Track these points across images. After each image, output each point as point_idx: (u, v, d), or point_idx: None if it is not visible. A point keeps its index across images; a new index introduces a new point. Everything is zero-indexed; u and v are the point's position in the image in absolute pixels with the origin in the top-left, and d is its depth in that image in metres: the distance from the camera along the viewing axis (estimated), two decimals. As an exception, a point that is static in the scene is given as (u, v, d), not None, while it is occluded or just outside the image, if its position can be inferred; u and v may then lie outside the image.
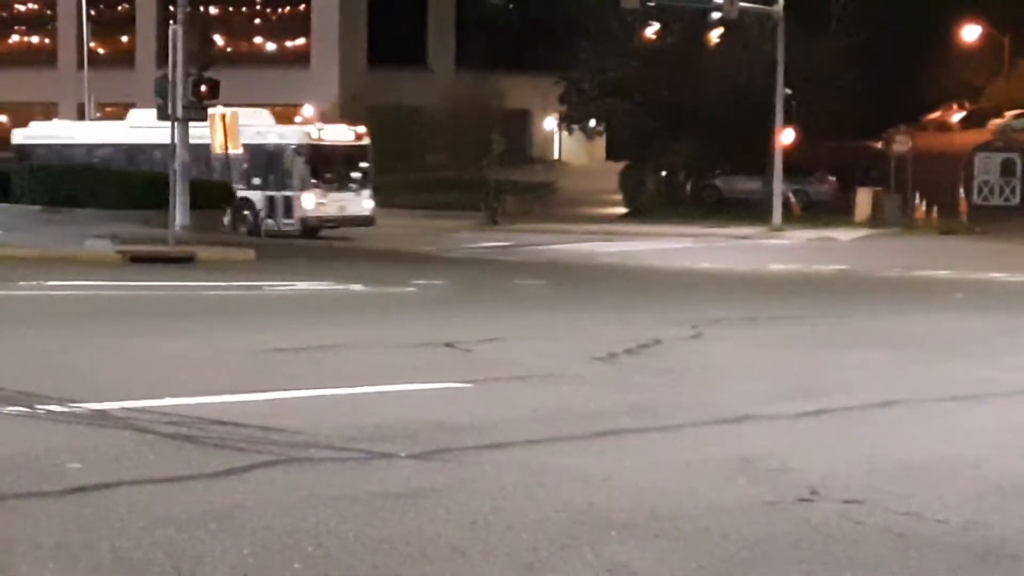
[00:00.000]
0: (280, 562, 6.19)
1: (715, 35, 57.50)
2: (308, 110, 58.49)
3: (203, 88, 31.64)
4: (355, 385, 11.23)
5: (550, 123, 70.81)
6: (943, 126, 64.92)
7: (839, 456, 8.86)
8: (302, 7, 64.12)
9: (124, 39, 66.96)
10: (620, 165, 60.95)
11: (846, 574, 6.37)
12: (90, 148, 44.26)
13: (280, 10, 66.23)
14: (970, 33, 64.95)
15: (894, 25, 56.99)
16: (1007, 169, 55.81)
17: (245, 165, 42.39)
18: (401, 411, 9.99)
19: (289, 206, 41.92)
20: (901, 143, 53.33)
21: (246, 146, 42.78)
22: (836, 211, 52.97)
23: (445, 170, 57.89)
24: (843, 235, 46.82)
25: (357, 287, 23.37)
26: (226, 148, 34.66)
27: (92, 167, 40.50)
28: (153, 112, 43.96)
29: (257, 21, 66.57)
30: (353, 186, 43.19)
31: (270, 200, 42.12)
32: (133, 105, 63.57)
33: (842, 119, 54.34)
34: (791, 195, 52.36)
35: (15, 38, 71.97)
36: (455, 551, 6.42)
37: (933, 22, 60.56)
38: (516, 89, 64.94)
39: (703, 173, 59.80)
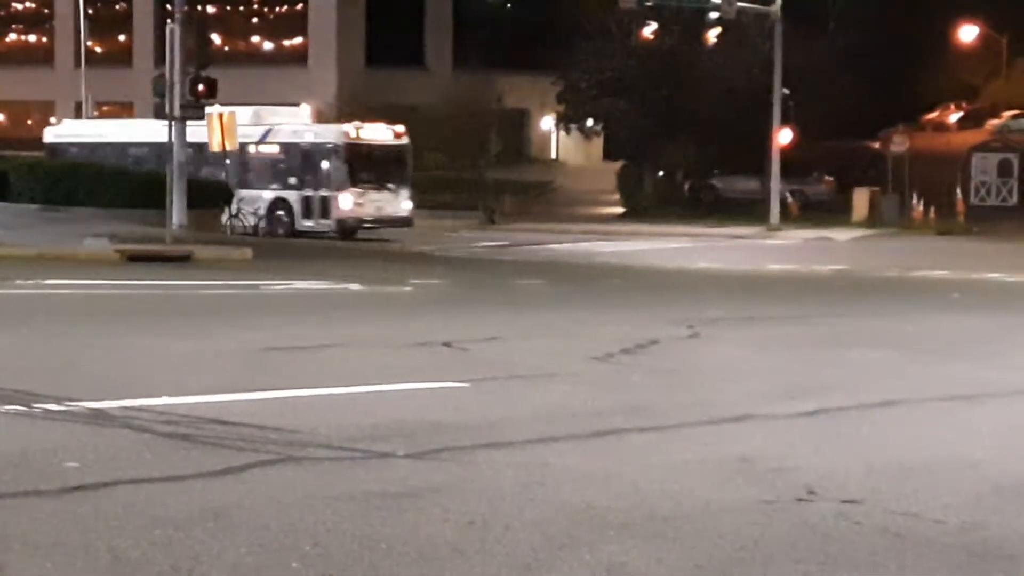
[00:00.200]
0: (278, 561, 6.18)
1: (713, 35, 57.50)
2: (305, 110, 58.48)
3: (201, 87, 31.65)
4: (353, 384, 11.23)
5: (548, 123, 70.79)
6: (941, 126, 64.97)
7: (837, 456, 8.86)
8: (299, 6, 64.13)
9: (121, 38, 66.92)
10: (618, 165, 60.99)
11: (843, 574, 6.36)
12: (123, 147, 43.66)
13: (278, 9, 66.22)
14: (968, 33, 65.00)
15: (892, 25, 57.05)
16: (1004, 169, 55.84)
17: (281, 165, 42.09)
18: (399, 411, 9.99)
19: (326, 207, 41.32)
20: (899, 143, 53.39)
21: (282, 145, 42.65)
22: (834, 211, 53.01)
23: (443, 170, 57.88)
24: (841, 235, 46.85)
25: (355, 286, 23.36)
26: (223, 147, 34.62)
27: (85, 166, 40.40)
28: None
29: (255, 20, 66.56)
30: (391, 186, 42.47)
31: (307, 200, 41.59)
32: (131, 104, 63.76)
33: (840, 119, 54.40)
34: (789, 195, 52.39)
35: (12, 37, 71.94)
36: (453, 551, 6.41)
37: (931, 22, 60.61)
38: (514, 89, 64.92)
39: (701, 173, 59.84)
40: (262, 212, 41.88)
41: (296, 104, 48.66)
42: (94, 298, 19.76)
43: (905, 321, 19.66)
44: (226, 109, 43.14)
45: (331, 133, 42.29)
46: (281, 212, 41.75)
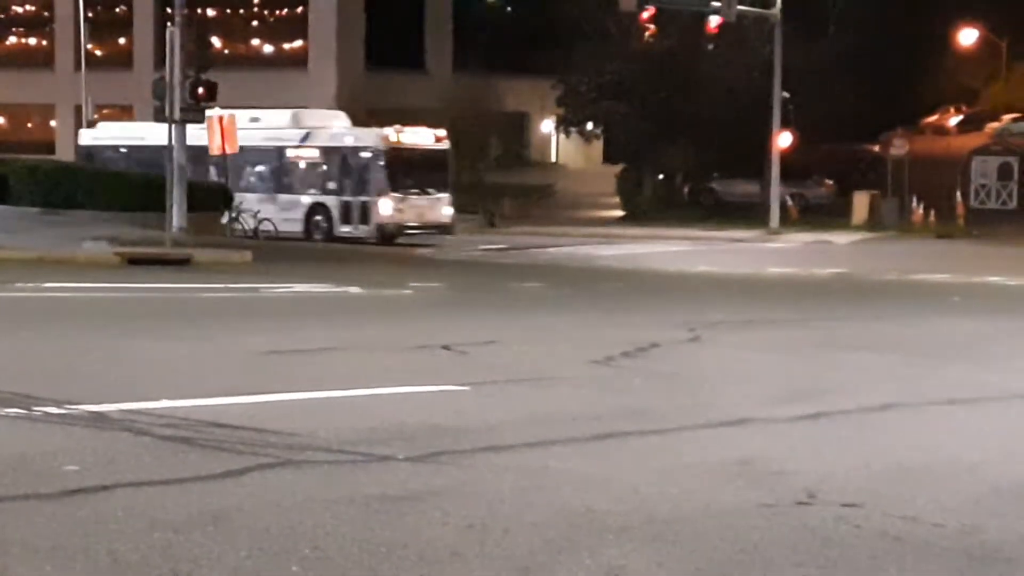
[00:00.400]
0: (277, 565, 6.18)
1: (713, 23, 57.42)
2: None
3: (201, 90, 31.65)
4: (352, 388, 11.23)
5: (548, 126, 70.80)
6: (940, 130, 64.95)
7: (837, 459, 8.86)
8: (300, 9, 64.08)
9: (121, 41, 66.89)
10: (618, 168, 60.98)
11: (844, 578, 6.37)
12: (160, 150, 43.63)
13: (278, 12, 66.20)
14: (968, 37, 64.97)
15: (891, 28, 57.05)
16: (1004, 173, 55.84)
17: (321, 169, 41.57)
18: (398, 414, 9.99)
19: (366, 212, 40.52)
20: (898, 146, 53.38)
21: (321, 149, 41.96)
22: (833, 214, 53.01)
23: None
24: (840, 238, 46.86)
25: (354, 289, 23.36)
26: (223, 151, 34.63)
27: (85, 169, 40.42)
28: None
29: (255, 23, 66.53)
30: (432, 191, 41.61)
31: (346, 206, 40.83)
32: (130, 107, 63.74)
33: (839, 122, 54.40)
34: (788, 198, 52.38)
35: (12, 39, 71.91)
36: (452, 554, 6.41)
37: (931, 25, 60.61)
38: (514, 92, 64.95)
39: (700, 176, 59.85)
40: (299, 217, 41.23)
41: (296, 107, 48.52)
42: (94, 301, 19.76)
43: (905, 324, 19.67)
44: (262, 112, 42.92)
45: (371, 137, 41.45)
46: (319, 217, 41.06)
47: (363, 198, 40.60)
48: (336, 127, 42.88)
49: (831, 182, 57.94)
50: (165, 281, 23.22)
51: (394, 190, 40.45)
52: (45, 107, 69.28)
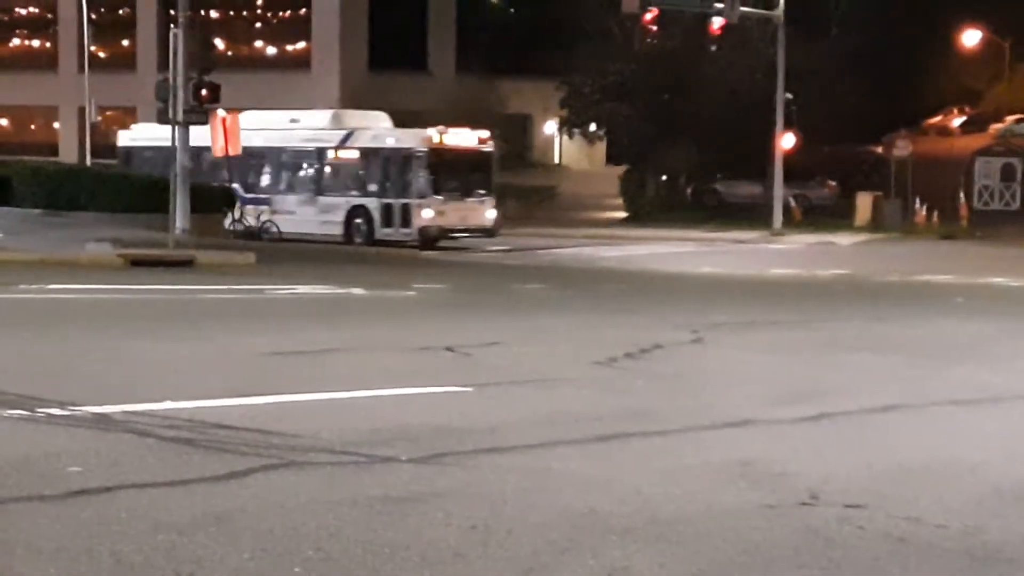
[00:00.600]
0: (280, 566, 6.19)
1: (715, 39, 57.46)
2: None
3: (204, 92, 31.67)
4: (356, 389, 11.23)
5: (551, 127, 70.77)
6: (944, 131, 64.92)
7: (839, 460, 8.86)
8: (303, 11, 64.08)
9: (125, 43, 66.92)
10: (621, 169, 60.97)
11: (846, 578, 6.37)
12: (199, 151, 43.24)
13: (281, 14, 66.21)
14: (971, 38, 64.94)
15: (895, 29, 57.00)
16: (1008, 174, 55.82)
17: (361, 171, 40.75)
18: (401, 415, 9.99)
19: (407, 215, 39.52)
20: (902, 148, 53.36)
21: (362, 150, 40.94)
22: (836, 215, 53.00)
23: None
24: (843, 239, 46.85)
25: (358, 291, 23.37)
26: (226, 152, 34.64)
27: (88, 171, 40.45)
28: (262, 115, 43.50)
29: (258, 25, 66.55)
30: (475, 194, 40.66)
31: (387, 208, 39.83)
32: (134, 109, 63.77)
33: (843, 123, 54.36)
34: (792, 199, 52.37)
35: (16, 42, 71.97)
36: (455, 555, 6.42)
37: (934, 26, 60.58)
38: (517, 93, 64.93)
39: (704, 177, 59.82)
40: (339, 219, 40.42)
41: (299, 109, 48.48)
42: (97, 303, 19.77)
43: (908, 325, 19.66)
44: (301, 113, 42.22)
45: (413, 138, 40.45)
46: (359, 220, 40.15)
47: (404, 200, 39.62)
48: (377, 128, 41.79)
49: (834, 183, 57.92)
50: (168, 283, 23.23)
51: (436, 192, 39.54)
52: (48, 109, 69.33)
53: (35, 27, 71.43)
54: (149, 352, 13.46)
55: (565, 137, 67.09)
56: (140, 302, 20.37)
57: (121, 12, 67.27)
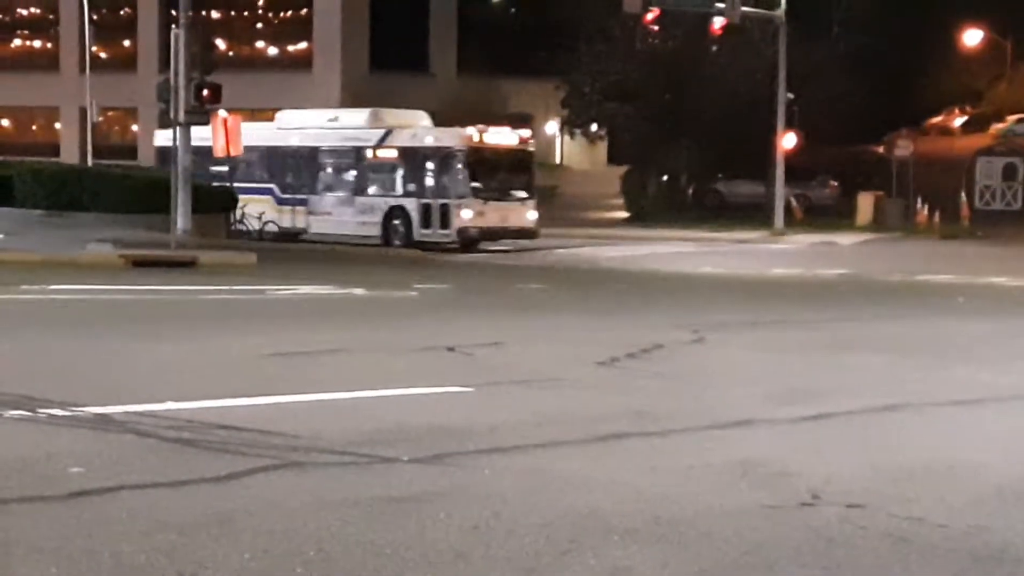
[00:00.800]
0: (281, 566, 6.18)
1: (716, 39, 57.47)
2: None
3: (205, 92, 31.68)
4: (357, 389, 11.23)
5: (552, 127, 70.78)
6: (945, 130, 64.92)
7: (841, 460, 8.86)
8: (304, 11, 64.06)
9: (126, 43, 66.91)
10: (622, 169, 60.95)
11: (848, 579, 6.37)
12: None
13: (282, 14, 66.20)
14: (972, 37, 64.92)
15: (896, 29, 57.00)
16: (1009, 173, 55.82)
17: (399, 171, 39.85)
18: (403, 415, 9.99)
19: (446, 215, 38.49)
20: (903, 147, 53.36)
21: (400, 149, 39.88)
22: (838, 215, 53.01)
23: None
24: (845, 239, 46.82)
25: (359, 291, 23.37)
26: (227, 152, 34.64)
27: (90, 171, 40.41)
28: (303, 113, 43.12)
29: (259, 25, 66.53)
30: (516, 195, 39.78)
31: (426, 208, 38.82)
32: (135, 110, 63.79)
33: (844, 123, 54.34)
34: (793, 199, 52.36)
35: (17, 42, 71.97)
36: (457, 555, 6.42)
37: (935, 26, 60.55)
38: (518, 93, 64.93)
39: (705, 177, 59.81)
40: (377, 220, 39.56)
41: (300, 109, 48.43)
42: (98, 303, 19.77)
43: (909, 325, 19.66)
44: (340, 111, 41.68)
45: (452, 137, 39.54)
46: (397, 221, 39.12)
47: (443, 201, 38.63)
48: (416, 126, 40.94)
49: (835, 183, 57.91)
50: (170, 283, 23.23)
51: (476, 193, 38.57)
52: (50, 110, 69.33)
53: (36, 28, 71.43)
54: (150, 353, 13.47)
55: (566, 137, 67.12)
56: (142, 303, 20.38)
57: (122, 13, 67.26)
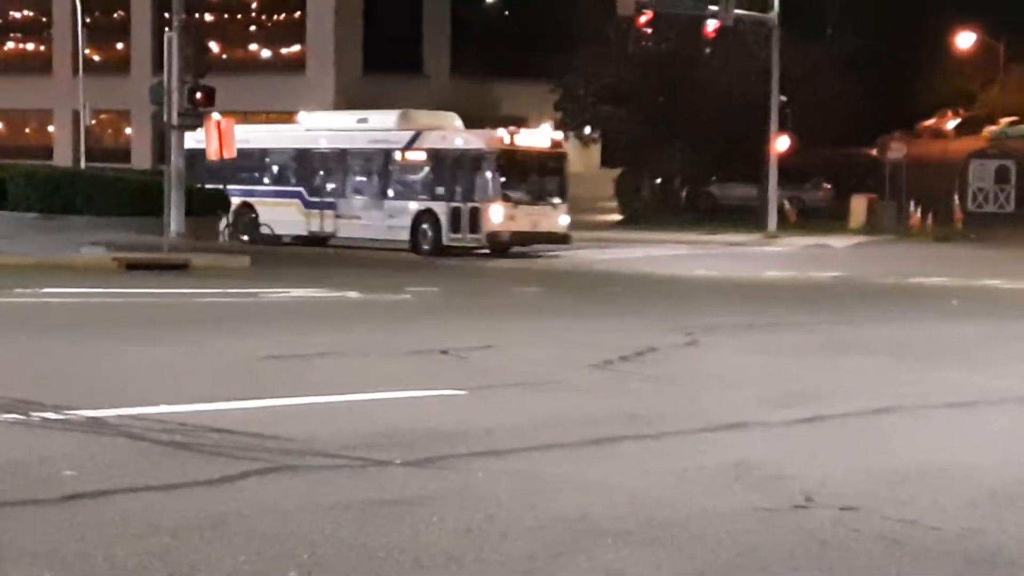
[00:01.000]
0: (275, 569, 6.18)
1: (710, 42, 57.51)
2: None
3: (199, 95, 31.69)
4: (350, 392, 11.23)
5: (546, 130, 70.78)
6: (938, 133, 65.03)
7: (834, 463, 8.86)
8: (297, 14, 64.05)
9: (119, 46, 66.87)
10: (615, 172, 60.97)
11: (841, 581, 6.37)
12: (264, 152, 41.56)
13: (275, 17, 66.18)
14: (965, 40, 65.05)
15: (889, 32, 57.06)
16: (1002, 176, 55.88)
17: (428, 173, 39.06)
18: (396, 418, 9.99)
19: (476, 219, 37.63)
20: (896, 150, 53.42)
21: (429, 152, 39.10)
22: (831, 218, 53.04)
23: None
24: (838, 242, 46.85)
25: (352, 294, 23.36)
26: (220, 155, 34.62)
27: (83, 174, 40.34)
28: (327, 116, 42.70)
29: (252, 28, 66.51)
30: (548, 198, 39.03)
31: (455, 212, 37.93)
32: (128, 113, 63.74)
33: (837, 126, 54.39)
34: (786, 202, 52.41)
35: (10, 45, 71.91)
36: (450, 559, 6.41)
37: (928, 29, 60.66)
38: (511, 96, 64.89)
39: (698, 180, 59.84)
40: (405, 224, 38.81)
41: (294, 112, 48.42)
42: (91, 306, 19.76)
43: (903, 328, 19.67)
44: (369, 113, 41.26)
45: (482, 139, 38.84)
46: (426, 225, 38.29)
47: (473, 204, 37.82)
48: (446, 128, 40.19)
49: (829, 186, 57.97)
50: (163, 286, 23.23)
51: (506, 196, 37.82)
52: (43, 112, 69.26)
53: (29, 30, 71.38)
54: (143, 355, 13.45)
55: (560, 140, 67.02)
56: (135, 306, 20.36)
57: (115, 15, 67.20)
